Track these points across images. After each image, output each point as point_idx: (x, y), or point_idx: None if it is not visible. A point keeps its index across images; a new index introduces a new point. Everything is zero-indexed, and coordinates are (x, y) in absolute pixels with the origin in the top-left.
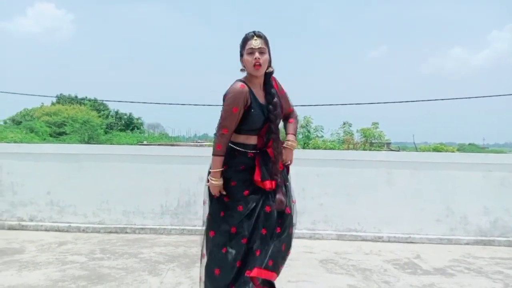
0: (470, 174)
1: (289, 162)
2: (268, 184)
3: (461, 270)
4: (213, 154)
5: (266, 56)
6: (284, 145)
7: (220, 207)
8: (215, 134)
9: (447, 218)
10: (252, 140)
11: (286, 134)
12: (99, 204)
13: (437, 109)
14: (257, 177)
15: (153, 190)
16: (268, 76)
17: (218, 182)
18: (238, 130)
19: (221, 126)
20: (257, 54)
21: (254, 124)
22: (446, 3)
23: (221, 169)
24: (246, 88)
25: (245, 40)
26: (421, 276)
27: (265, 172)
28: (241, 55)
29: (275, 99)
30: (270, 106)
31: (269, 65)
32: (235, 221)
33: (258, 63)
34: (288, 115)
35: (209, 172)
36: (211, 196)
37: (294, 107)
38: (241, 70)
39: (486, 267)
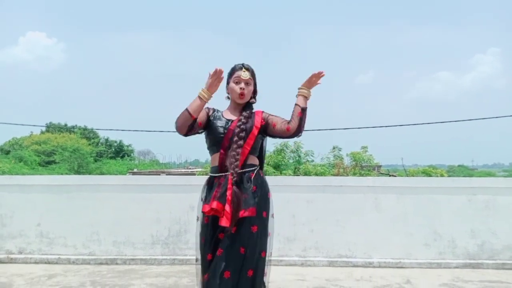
0: (455, 197)
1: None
2: (205, 208)
3: None
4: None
5: (251, 88)
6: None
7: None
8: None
9: (435, 242)
10: (215, 161)
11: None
12: (89, 235)
13: (426, 132)
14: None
15: (144, 220)
16: (249, 105)
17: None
18: (209, 151)
19: None
20: (242, 85)
21: (214, 135)
22: (430, 28)
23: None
24: (211, 108)
25: (233, 70)
26: None
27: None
28: (228, 83)
29: (243, 118)
30: (239, 122)
31: (253, 97)
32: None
33: (242, 93)
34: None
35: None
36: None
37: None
38: (226, 97)
39: None
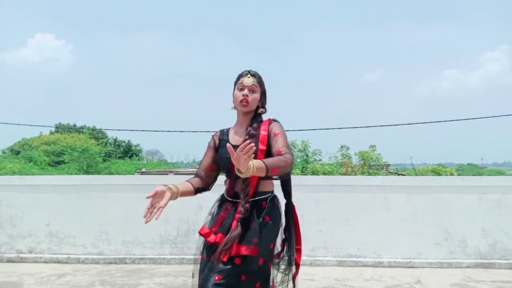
0: (465, 196)
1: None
2: (208, 236)
3: None
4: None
5: (256, 95)
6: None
7: None
8: None
9: (446, 242)
10: (226, 184)
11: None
12: (98, 235)
13: (434, 131)
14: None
15: (152, 220)
16: (257, 117)
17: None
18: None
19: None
20: (246, 91)
21: (222, 164)
22: (437, 26)
23: (173, 185)
24: (218, 133)
25: (239, 77)
26: None
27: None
28: (233, 92)
29: (248, 139)
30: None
31: (261, 106)
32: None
33: (245, 100)
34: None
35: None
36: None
37: (288, 152)
38: (232, 108)
39: None
